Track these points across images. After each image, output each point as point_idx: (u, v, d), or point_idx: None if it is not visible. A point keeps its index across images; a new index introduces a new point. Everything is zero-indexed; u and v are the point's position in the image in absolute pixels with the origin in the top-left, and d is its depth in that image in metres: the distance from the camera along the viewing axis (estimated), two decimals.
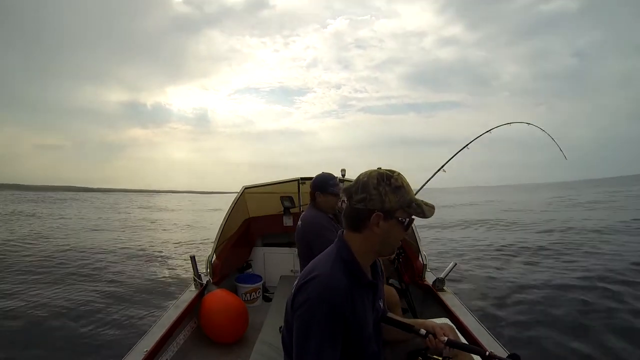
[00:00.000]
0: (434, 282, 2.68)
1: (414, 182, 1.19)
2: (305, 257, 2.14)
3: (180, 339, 2.46)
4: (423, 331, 1.22)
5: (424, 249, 2.95)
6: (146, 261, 7.71)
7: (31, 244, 9.51)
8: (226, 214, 3.39)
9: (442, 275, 2.68)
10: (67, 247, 8.95)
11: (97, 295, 5.11)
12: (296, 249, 2.38)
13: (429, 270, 2.91)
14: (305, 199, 3.72)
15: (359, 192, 1.06)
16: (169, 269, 7.10)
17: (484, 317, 3.52)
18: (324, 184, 2.24)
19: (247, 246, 3.96)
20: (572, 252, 7.05)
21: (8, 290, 5.25)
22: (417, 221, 1.31)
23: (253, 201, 3.90)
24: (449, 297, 2.52)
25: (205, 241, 9.98)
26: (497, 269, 6.29)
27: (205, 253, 3.75)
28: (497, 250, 7.84)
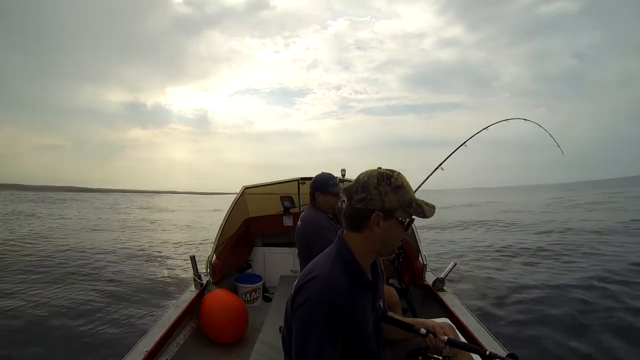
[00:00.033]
0: (434, 282, 2.68)
1: (413, 183, 1.19)
2: (305, 257, 2.14)
3: (180, 339, 2.45)
4: (423, 330, 1.23)
5: (424, 249, 2.95)
6: (146, 261, 7.70)
7: (31, 243, 9.50)
8: (226, 214, 3.39)
9: (442, 275, 2.68)
10: (67, 247, 8.94)
11: (97, 294, 5.11)
12: (296, 249, 2.38)
13: (429, 270, 2.91)
14: (305, 199, 3.71)
15: (359, 191, 1.05)
16: (169, 269, 7.09)
17: (484, 317, 3.53)
18: (323, 184, 2.24)
19: (247, 246, 3.96)
20: (571, 253, 7.06)
21: (8, 289, 5.25)
22: (417, 222, 1.31)
23: (253, 201, 3.89)
24: (448, 297, 2.52)
25: (205, 241, 9.96)
26: (497, 269, 6.30)
27: (205, 253, 3.75)
28: (497, 251, 7.84)
